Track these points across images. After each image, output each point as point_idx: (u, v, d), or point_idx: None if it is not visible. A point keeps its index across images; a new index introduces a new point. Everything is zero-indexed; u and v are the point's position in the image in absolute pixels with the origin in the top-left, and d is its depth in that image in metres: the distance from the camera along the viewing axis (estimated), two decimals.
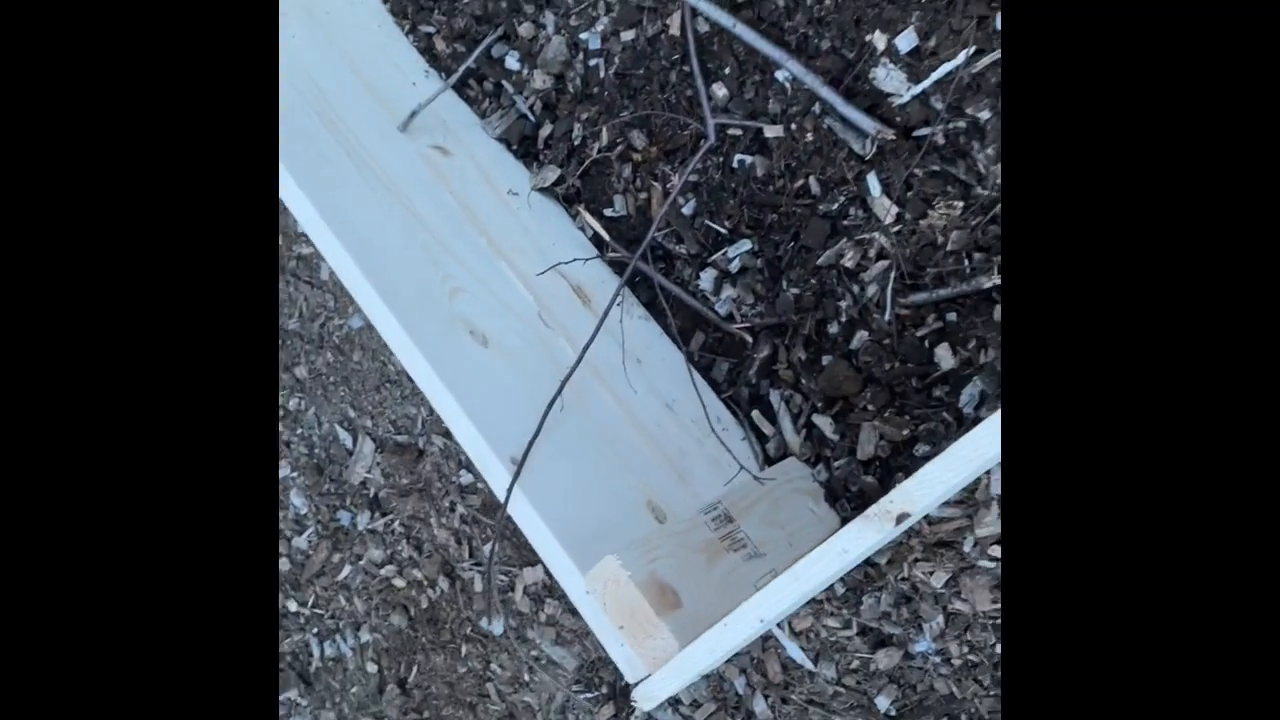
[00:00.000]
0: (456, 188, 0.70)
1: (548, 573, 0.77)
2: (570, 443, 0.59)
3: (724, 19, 0.67)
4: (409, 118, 0.70)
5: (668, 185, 0.72)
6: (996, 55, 0.61)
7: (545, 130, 0.77)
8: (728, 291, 0.71)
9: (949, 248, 0.63)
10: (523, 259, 0.69)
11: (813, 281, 0.68)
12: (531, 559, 0.83)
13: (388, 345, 0.59)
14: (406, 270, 0.59)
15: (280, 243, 0.95)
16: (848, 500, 0.65)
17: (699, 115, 0.70)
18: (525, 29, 0.77)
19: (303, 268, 0.96)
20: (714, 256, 0.72)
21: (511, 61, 0.78)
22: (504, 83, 0.78)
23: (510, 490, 0.54)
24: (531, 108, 0.77)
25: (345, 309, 0.93)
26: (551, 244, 0.73)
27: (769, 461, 0.68)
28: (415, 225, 0.63)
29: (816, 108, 0.66)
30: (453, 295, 0.61)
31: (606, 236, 0.75)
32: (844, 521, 0.55)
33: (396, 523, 0.92)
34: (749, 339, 0.70)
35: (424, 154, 0.70)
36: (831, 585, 0.68)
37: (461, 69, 0.77)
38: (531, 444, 0.56)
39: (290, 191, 0.56)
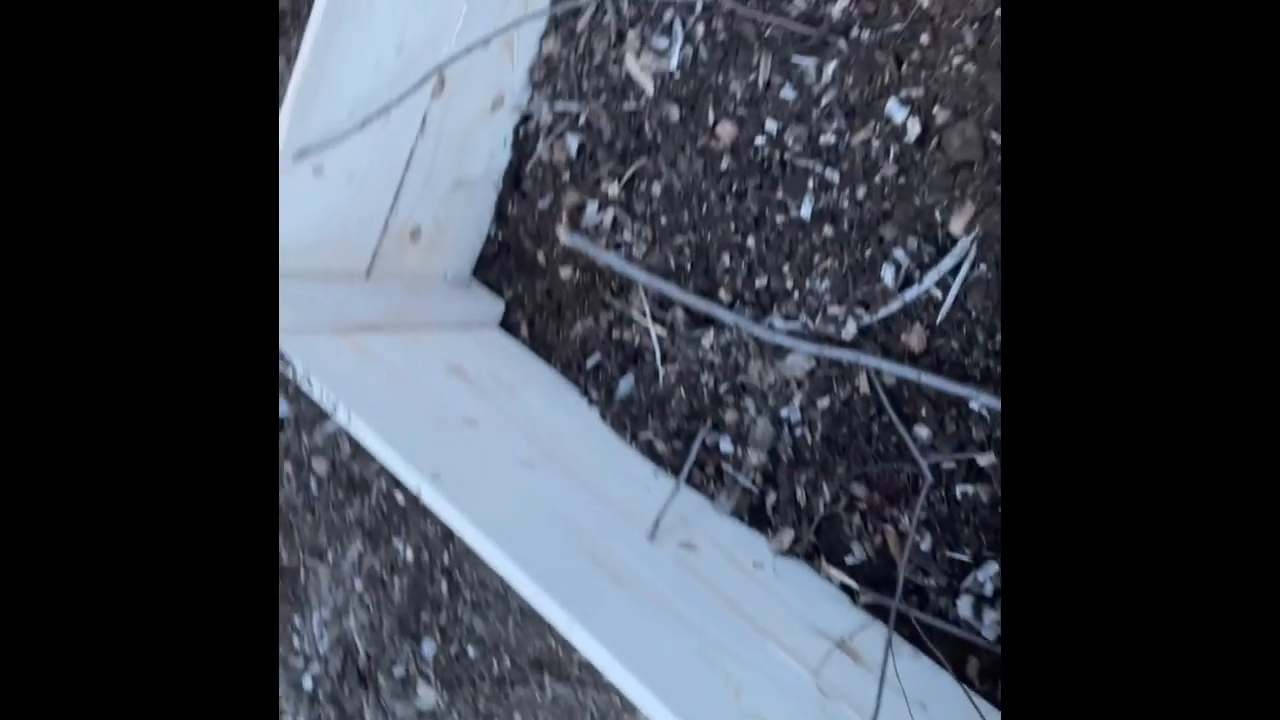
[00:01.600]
0: (710, 578, 0.77)
1: None
2: None
3: (908, 373, 0.74)
4: (654, 527, 0.79)
5: (900, 527, 0.77)
6: None
7: (771, 498, 0.84)
8: (989, 615, 0.73)
9: None
10: (785, 632, 0.74)
11: None
12: None
13: None
14: (695, 685, 0.64)
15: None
16: None
17: (910, 458, 0.75)
18: (730, 415, 0.86)
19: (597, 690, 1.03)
20: (965, 583, 0.74)
21: (725, 445, 0.87)
22: (723, 464, 0.87)
23: None
24: (754, 481, 0.85)
25: None
26: (806, 605, 0.78)
27: None
28: (687, 632, 0.69)
29: None
30: (738, 695, 0.66)
31: (854, 584, 0.79)
32: None
33: None
34: None
35: (675, 556, 0.78)
36: None
37: (687, 466, 0.86)
38: None
39: (585, 642, 0.64)
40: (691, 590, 0.74)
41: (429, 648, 1.06)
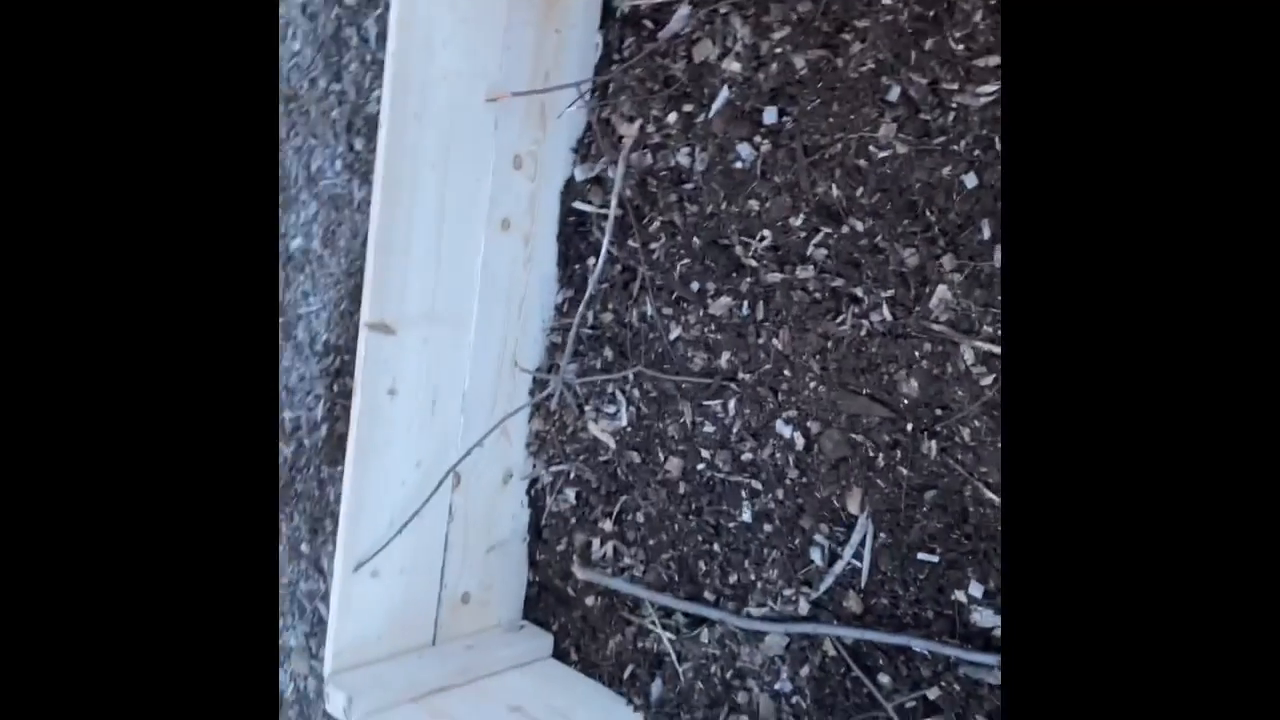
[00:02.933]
0: None
1: None
2: None
3: (855, 633, 0.89)
4: None
5: None
6: None
7: None
8: None
9: None
10: None
11: None
12: None
13: None
14: None
15: None
16: None
17: (879, 704, 0.88)
18: (740, 697, 1.01)
19: None
20: None
21: None
22: None
23: None
24: None
25: None
26: None
27: None
28: None
29: (951, 664, 0.84)
30: None
31: None
32: None
33: None
34: None
35: None
36: None
37: None
38: None
39: None
40: None
41: None
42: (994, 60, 0.78)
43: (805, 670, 0.94)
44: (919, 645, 0.85)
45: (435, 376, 1.09)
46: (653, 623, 1.08)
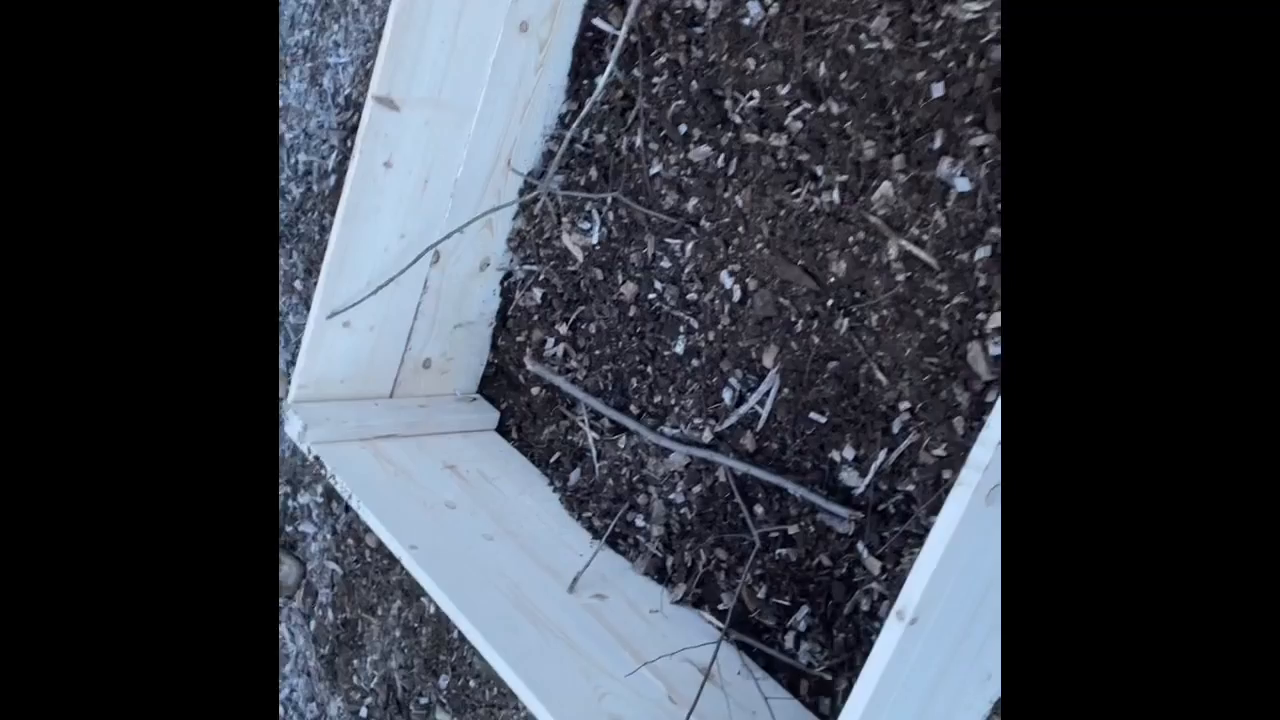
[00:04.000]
0: (609, 619, 1.05)
1: None
2: None
3: (743, 467, 1.01)
4: (573, 582, 1.07)
5: (746, 580, 1.03)
6: (906, 442, 0.90)
7: (669, 560, 1.11)
8: (804, 645, 0.98)
9: None
10: (662, 662, 1.01)
11: (850, 626, 0.94)
12: None
13: None
14: (568, 691, 0.92)
15: None
16: None
17: (748, 529, 1.02)
18: (641, 499, 1.14)
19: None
20: (789, 622, 1.00)
21: (639, 521, 1.15)
22: (638, 536, 1.15)
23: None
24: (656, 548, 1.13)
25: None
26: (683, 639, 1.04)
27: None
28: (576, 658, 0.97)
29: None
30: (601, 698, 0.93)
31: (720, 625, 1.05)
32: None
33: None
34: (828, 677, 0.96)
35: (586, 604, 1.06)
36: None
37: (604, 537, 1.14)
38: None
39: (499, 665, 0.93)
40: (591, 628, 1.02)
41: (444, 680, 1.36)
42: None
43: (697, 489, 1.07)
44: (793, 488, 0.97)
45: (430, 158, 1.17)
46: (583, 421, 1.20)
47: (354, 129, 1.63)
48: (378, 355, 1.25)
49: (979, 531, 0.62)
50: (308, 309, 1.72)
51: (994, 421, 0.58)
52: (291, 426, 1.18)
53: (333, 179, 1.65)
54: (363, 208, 1.15)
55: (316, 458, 1.17)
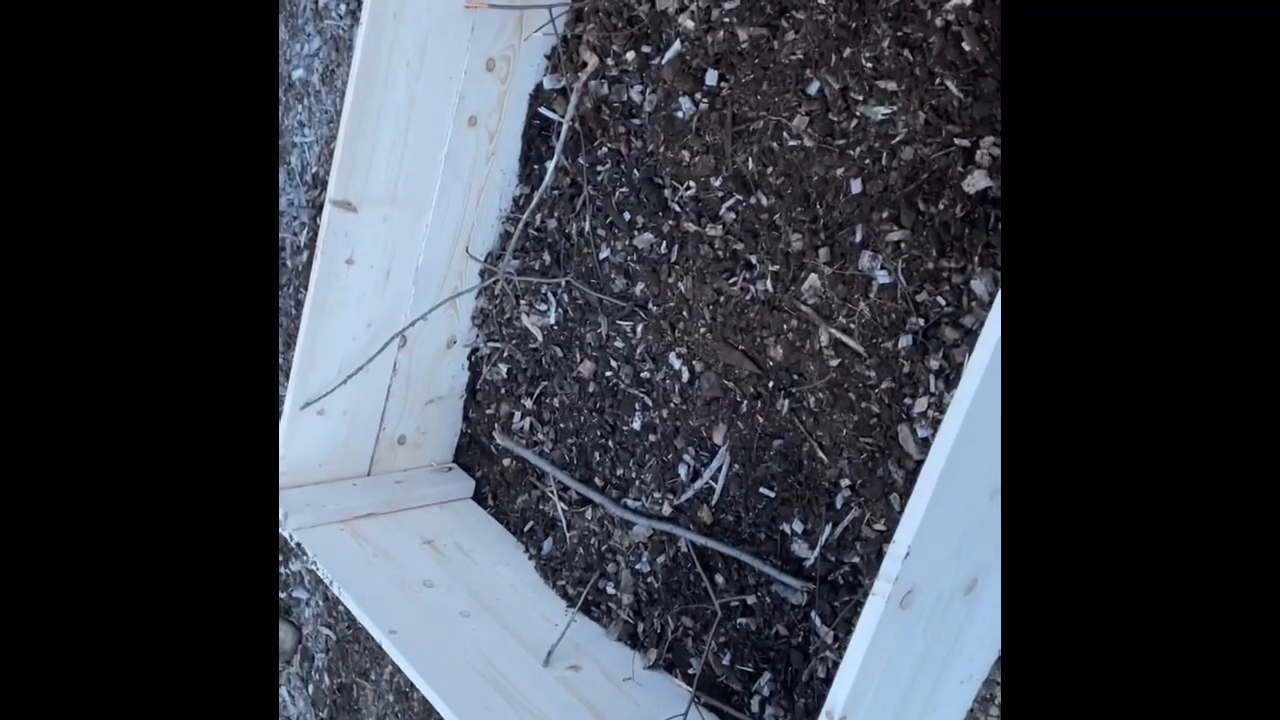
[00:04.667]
0: (584, 692, 1.09)
1: None
2: None
3: (700, 539, 1.06)
4: (548, 655, 1.12)
5: (711, 648, 1.08)
6: (849, 517, 0.95)
7: (640, 627, 1.16)
8: (769, 709, 1.03)
9: None
10: None
11: (809, 691, 0.99)
12: None
13: None
14: None
15: None
16: None
17: (709, 598, 1.06)
18: (610, 567, 1.19)
19: None
20: (754, 686, 1.04)
21: (610, 589, 1.19)
22: (610, 604, 1.19)
23: None
24: (628, 615, 1.17)
25: None
26: (656, 707, 1.09)
27: None
28: None
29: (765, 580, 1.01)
30: None
31: (688, 689, 1.10)
32: None
33: None
34: None
35: (561, 676, 1.11)
36: None
37: (576, 607, 1.19)
38: None
39: None
40: (565, 702, 1.07)
41: None
42: (892, 85, 0.86)
43: (661, 559, 1.12)
44: (748, 559, 1.02)
45: (391, 250, 1.22)
46: (551, 492, 1.25)
47: (322, 206, 1.68)
48: (353, 437, 1.30)
49: (895, 634, 0.66)
50: (285, 379, 1.76)
51: (901, 537, 0.63)
52: None
53: (305, 254, 1.70)
54: (329, 303, 1.19)
55: (298, 545, 1.21)
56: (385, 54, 1.10)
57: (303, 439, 1.25)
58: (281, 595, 1.77)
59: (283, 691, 1.78)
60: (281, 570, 1.76)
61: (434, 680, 1.05)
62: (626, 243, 1.11)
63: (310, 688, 1.70)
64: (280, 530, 1.23)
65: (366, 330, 1.24)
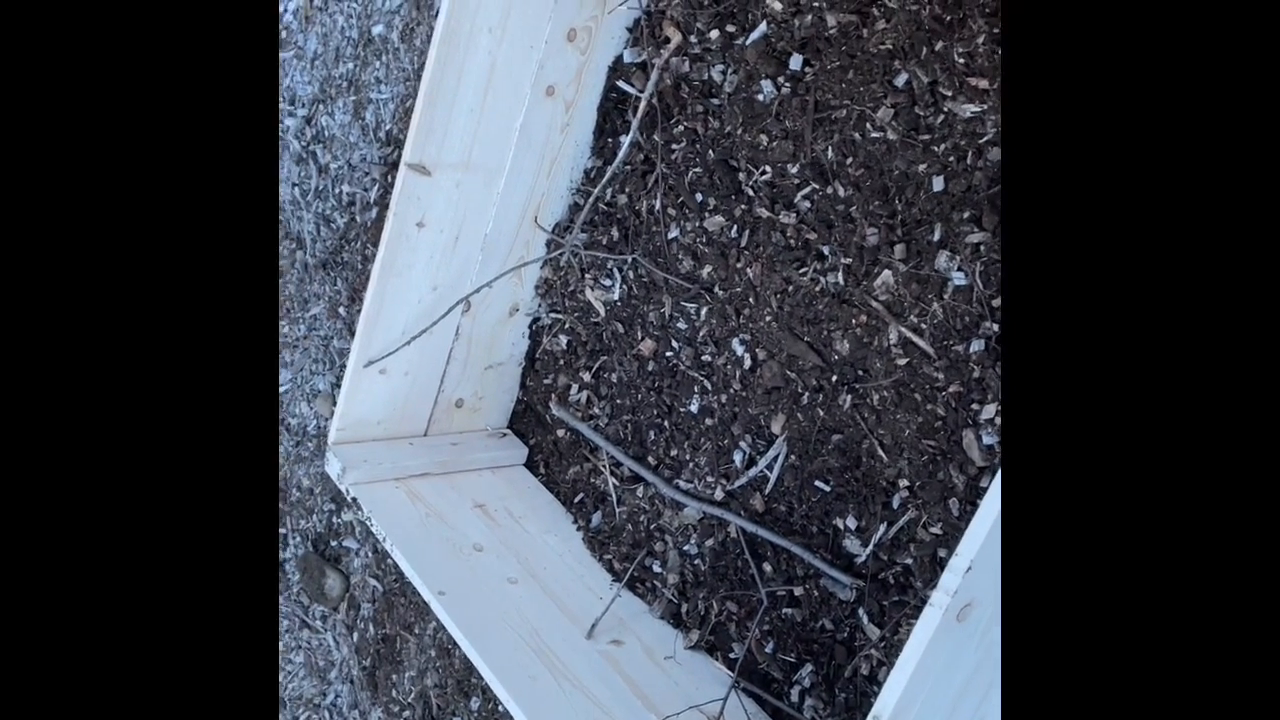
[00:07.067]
0: (624, 666, 1.10)
1: None
2: None
3: (751, 527, 1.06)
4: (591, 627, 1.13)
5: (754, 635, 1.08)
6: (905, 518, 0.94)
7: (684, 607, 1.17)
8: (809, 700, 1.03)
9: None
10: (669, 707, 1.06)
11: (850, 687, 0.98)
12: None
13: None
14: None
15: None
16: None
17: (756, 586, 1.06)
18: (658, 546, 1.19)
19: None
20: (795, 676, 1.04)
21: (656, 567, 1.20)
22: (655, 581, 1.20)
23: None
24: (672, 595, 1.18)
25: None
26: (695, 688, 1.10)
27: None
28: (591, 707, 1.03)
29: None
30: None
31: (729, 674, 1.11)
32: None
33: None
34: None
35: (604, 650, 1.12)
36: None
37: (623, 582, 1.20)
38: None
39: (517, 714, 0.99)
40: (606, 675, 1.08)
41: (475, 703, 1.44)
42: (984, 83, 0.84)
43: (710, 542, 1.12)
44: (799, 551, 1.02)
45: (461, 216, 1.22)
46: (604, 467, 1.26)
47: (394, 164, 1.69)
48: (413, 398, 1.32)
49: (948, 647, 0.66)
50: (351, 334, 1.79)
51: (964, 550, 0.62)
52: (331, 467, 1.25)
53: (374, 211, 1.71)
54: (397, 264, 1.20)
55: (354, 499, 1.24)
56: (469, 19, 1.10)
57: (364, 397, 1.27)
58: (332, 544, 1.81)
59: (328, 637, 1.83)
60: (334, 520, 1.80)
61: (479, 644, 1.07)
62: (697, 224, 1.10)
63: (355, 635, 1.74)
64: (338, 485, 1.26)
65: (432, 293, 1.25)
